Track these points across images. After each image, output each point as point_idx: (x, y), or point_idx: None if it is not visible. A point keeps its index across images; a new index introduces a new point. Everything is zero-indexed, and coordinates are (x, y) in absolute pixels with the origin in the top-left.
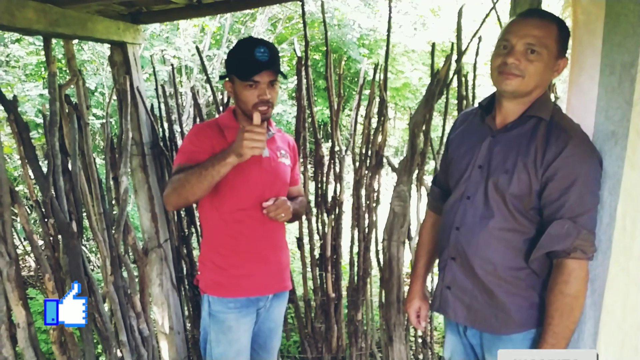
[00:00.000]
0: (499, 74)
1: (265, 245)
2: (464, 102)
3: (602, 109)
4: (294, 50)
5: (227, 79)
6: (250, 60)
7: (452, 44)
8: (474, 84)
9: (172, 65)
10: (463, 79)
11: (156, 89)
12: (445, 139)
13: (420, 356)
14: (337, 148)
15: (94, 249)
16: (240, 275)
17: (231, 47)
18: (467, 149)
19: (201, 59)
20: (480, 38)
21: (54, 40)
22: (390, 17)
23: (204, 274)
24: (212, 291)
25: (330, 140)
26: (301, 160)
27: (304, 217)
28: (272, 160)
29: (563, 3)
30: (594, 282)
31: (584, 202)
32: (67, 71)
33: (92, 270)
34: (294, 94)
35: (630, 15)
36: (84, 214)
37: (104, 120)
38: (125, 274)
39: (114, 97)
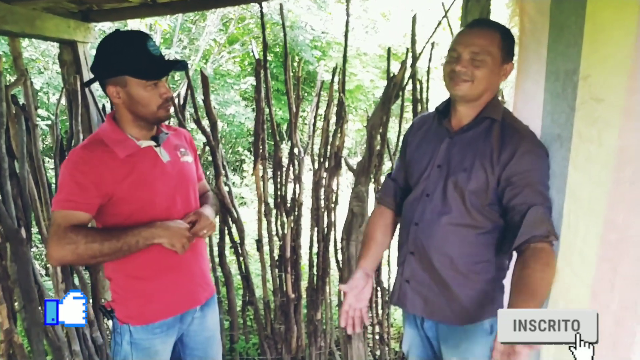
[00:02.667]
0: (450, 80)
1: (187, 257)
2: (419, 105)
3: (548, 113)
4: (252, 52)
5: (101, 82)
6: (150, 57)
7: (407, 49)
8: (427, 88)
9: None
10: (418, 83)
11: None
12: (401, 141)
13: (378, 352)
14: (296, 150)
15: (38, 256)
16: (165, 296)
17: (103, 43)
18: (426, 149)
19: None
20: (433, 44)
21: None
22: (348, 21)
23: (122, 304)
24: (135, 321)
25: (287, 142)
26: (260, 162)
27: (263, 218)
28: (175, 164)
29: (510, 12)
30: None
31: (543, 194)
32: (10, 71)
33: (42, 277)
34: (246, 95)
35: (573, 27)
36: (33, 220)
37: (50, 122)
38: (77, 281)
39: (64, 97)
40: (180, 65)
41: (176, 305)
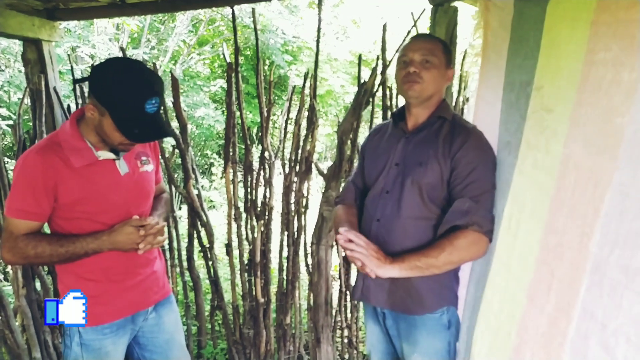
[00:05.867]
0: (403, 84)
1: (137, 263)
2: (388, 111)
3: (502, 122)
4: (223, 55)
5: (90, 88)
6: (139, 117)
7: (378, 56)
8: (397, 95)
9: (92, 65)
10: (387, 90)
11: (74, 89)
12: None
13: (346, 356)
14: (266, 154)
15: None
16: (114, 299)
17: (112, 66)
18: (384, 150)
19: None
20: None
21: None
22: (319, 28)
23: None
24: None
25: (258, 146)
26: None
27: (233, 223)
28: (134, 174)
29: (475, 24)
30: (479, 280)
31: (483, 183)
32: None
33: (1, 282)
34: (216, 97)
35: (531, 41)
36: None
37: (10, 121)
38: (39, 286)
39: (27, 96)
40: (164, 133)
41: (125, 307)
